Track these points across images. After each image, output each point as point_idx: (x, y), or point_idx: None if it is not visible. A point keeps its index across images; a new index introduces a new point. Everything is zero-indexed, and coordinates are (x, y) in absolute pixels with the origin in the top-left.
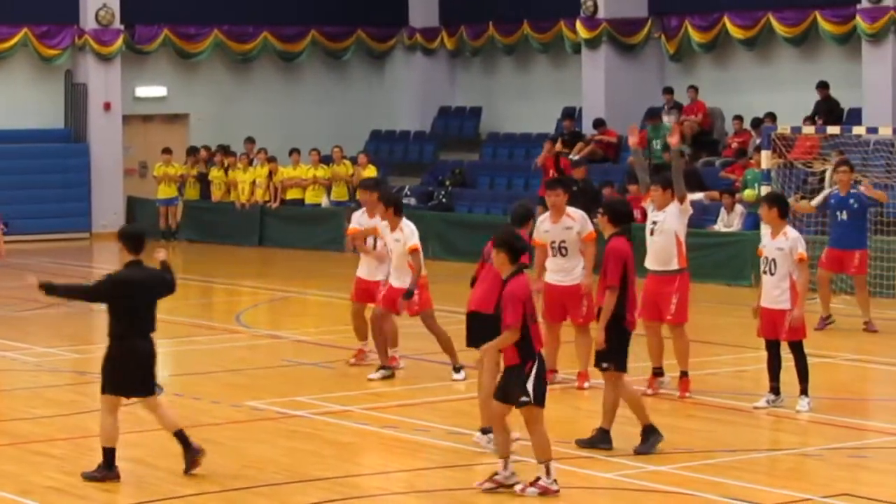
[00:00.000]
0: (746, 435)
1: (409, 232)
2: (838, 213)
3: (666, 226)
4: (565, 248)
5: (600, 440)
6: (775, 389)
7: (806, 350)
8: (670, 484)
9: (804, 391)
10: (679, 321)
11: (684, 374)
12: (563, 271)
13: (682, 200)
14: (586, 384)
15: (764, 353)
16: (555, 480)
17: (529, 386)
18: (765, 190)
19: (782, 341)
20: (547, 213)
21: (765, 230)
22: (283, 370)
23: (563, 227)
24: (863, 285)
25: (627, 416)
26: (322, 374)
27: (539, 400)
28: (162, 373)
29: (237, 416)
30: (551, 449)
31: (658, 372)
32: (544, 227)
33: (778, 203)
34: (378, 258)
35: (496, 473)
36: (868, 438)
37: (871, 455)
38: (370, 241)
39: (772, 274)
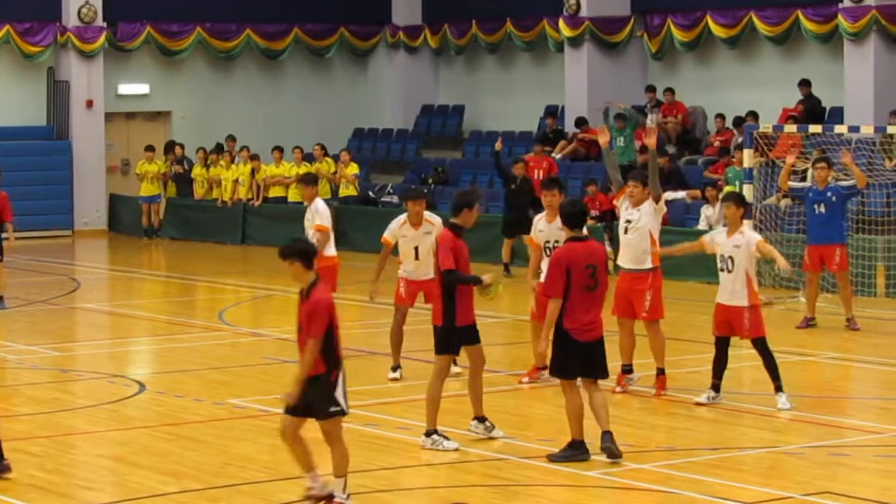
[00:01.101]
0: (727, 433)
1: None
2: (816, 206)
3: (640, 224)
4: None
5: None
6: (716, 387)
7: (786, 348)
8: (652, 482)
9: (779, 388)
10: (654, 317)
11: (661, 372)
12: None
13: (657, 200)
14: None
15: (739, 352)
16: (349, 496)
17: (339, 395)
18: (747, 189)
19: (742, 339)
20: (543, 214)
21: (719, 229)
22: (265, 368)
23: (556, 227)
24: (846, 282)
25: (613, 415)
26: None
27: (346, 409)
28: (144, 370)
29: (219, 413)
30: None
31: (627, 369)
32: (539, 227)
33: (746, 204)
34: None
35: (310, 489)
36: (849, 436)
37: (852, 453)
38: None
39: (729, 271)
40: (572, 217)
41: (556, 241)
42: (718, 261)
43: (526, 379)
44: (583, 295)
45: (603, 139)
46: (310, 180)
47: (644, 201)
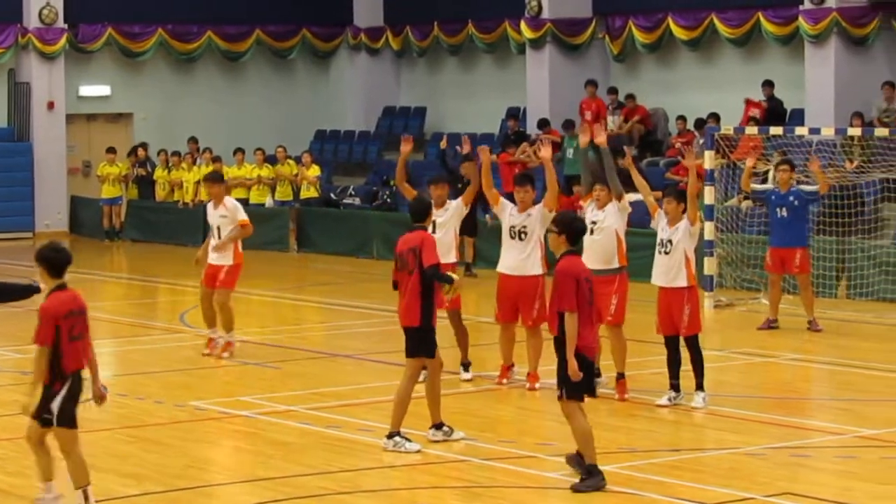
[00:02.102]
0: (689, 434)
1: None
2: (778, 210)
3: (605, 224)
4: (524, 233)
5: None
6: (675, 387)
7: (747, 349)
8: (613, 483)
9: (700, 386)
10: (618, 322)
11: (621, 377)
12: (518, 261)
13: (619, 198)
14: (537, 385)
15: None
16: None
17: (54, 405)
18: (708, 190)
19: (681, 336)
20: (514, 206)
21: (661, 222)
22: (227, 370)
23: (526, 215)
24: (807, 285)
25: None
26: (266, 373)
27: (65, 421)
28: (105, 373)
29: (181, 415)
30: (88, 472)
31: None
32: (510, 211)
33: (685, 200)
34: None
35: (40, 499)
36: (810, 437)
37: (813, 454)
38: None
39: (667, 253)
40: (579, 234)
41: (524, 227)
42: (658, 245)
43: (505, 380)
44: (588, 310)
45: (583, 139)
46: (218, 178)
47: (609, 202)
